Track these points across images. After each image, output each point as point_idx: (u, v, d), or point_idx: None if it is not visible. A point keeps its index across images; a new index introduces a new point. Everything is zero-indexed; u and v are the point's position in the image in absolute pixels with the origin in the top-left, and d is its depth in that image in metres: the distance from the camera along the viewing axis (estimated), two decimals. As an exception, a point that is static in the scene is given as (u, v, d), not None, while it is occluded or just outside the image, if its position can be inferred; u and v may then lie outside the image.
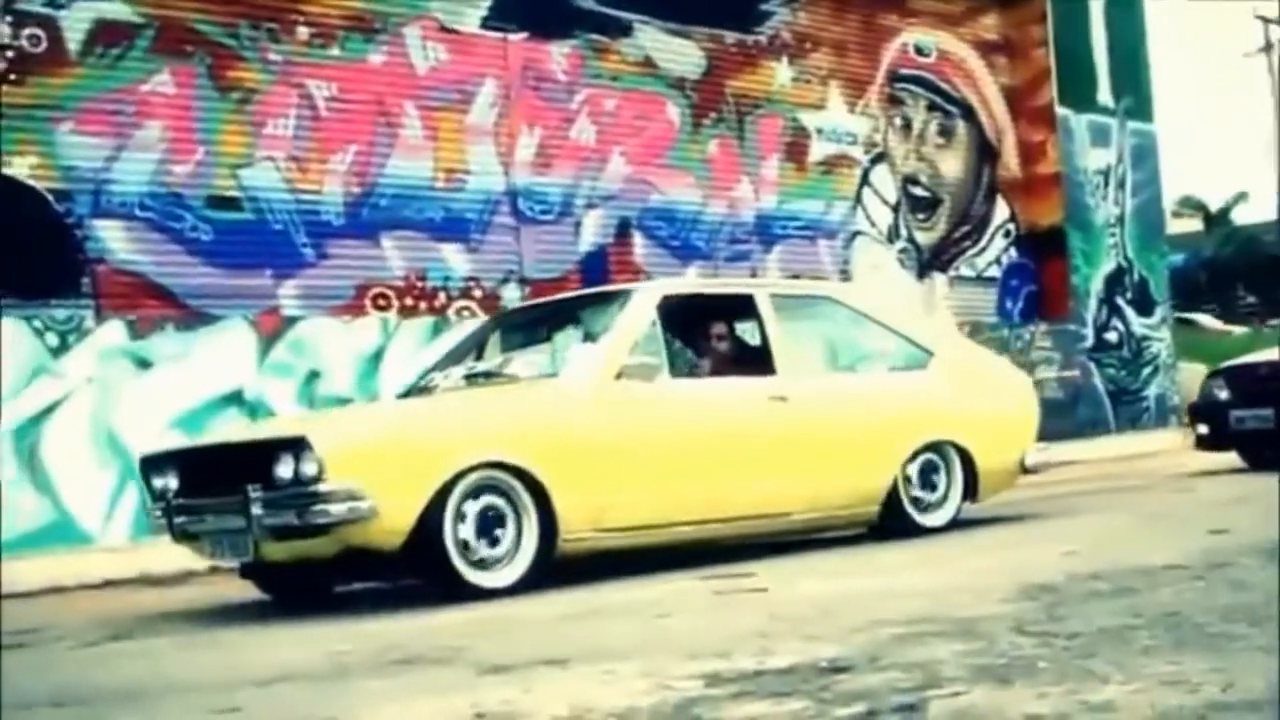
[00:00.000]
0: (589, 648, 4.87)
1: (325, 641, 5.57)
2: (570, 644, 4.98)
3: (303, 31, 11.51)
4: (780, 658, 4.19)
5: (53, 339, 10.08)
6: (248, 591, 7.45)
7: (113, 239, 10.57)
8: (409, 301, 11.94)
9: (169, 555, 8.27)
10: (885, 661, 4.03)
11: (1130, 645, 4.03)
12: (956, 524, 8.56)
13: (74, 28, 10.45)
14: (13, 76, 10.17)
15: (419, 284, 12.04)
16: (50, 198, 10.32)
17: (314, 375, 11.04)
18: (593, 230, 13.22)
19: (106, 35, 10.58)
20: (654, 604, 6.01)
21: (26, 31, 10.24)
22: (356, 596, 7.31)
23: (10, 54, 10.17)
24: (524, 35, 12.90)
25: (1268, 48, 51.12)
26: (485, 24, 12.67)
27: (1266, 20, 50.80)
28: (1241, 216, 59.17)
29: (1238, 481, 10.82)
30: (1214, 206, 61.04)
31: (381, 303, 11.78)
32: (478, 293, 12.34)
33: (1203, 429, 12.07)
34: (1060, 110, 17.65)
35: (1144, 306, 18.28)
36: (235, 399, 10.62)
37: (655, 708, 3.58)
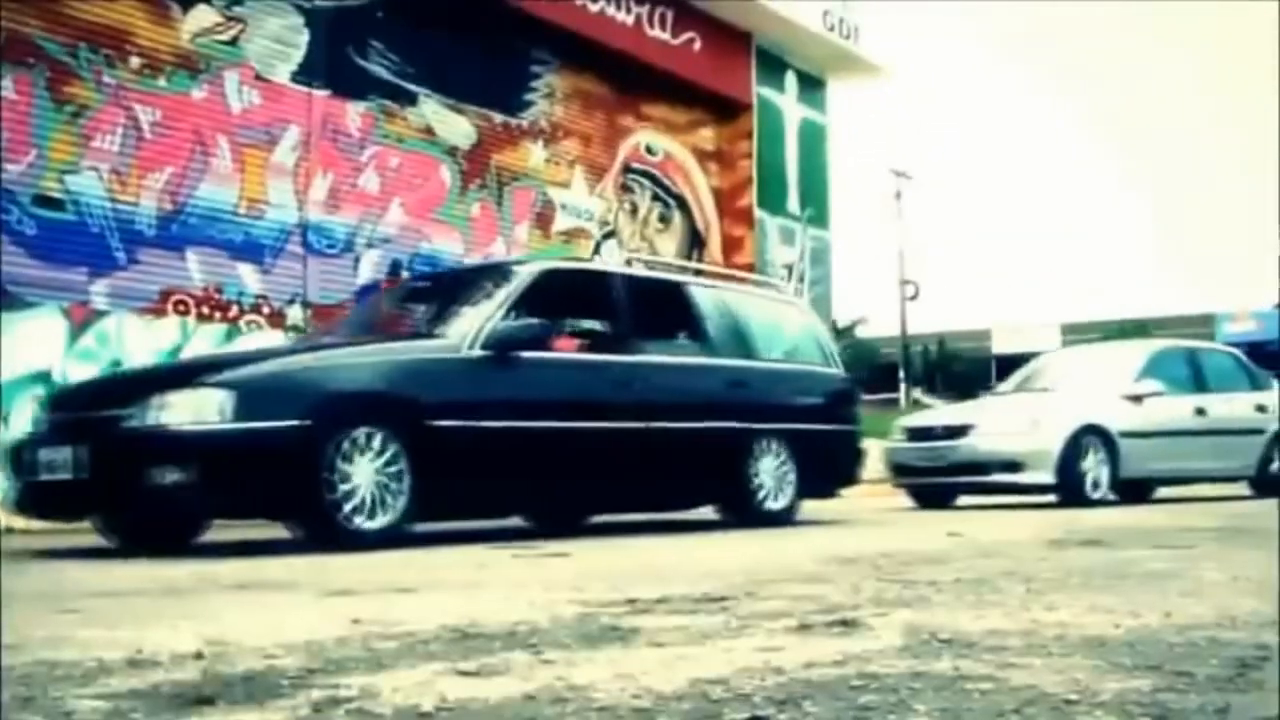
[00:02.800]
0: (430, 582, 4.51)
1: (157, 570, 5.08)
2: (410, 579, 4.55)
3: (135, 61, 10.93)
4: (641, 592, 3.91)
5: (-126, 312, 9.29)
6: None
7: (-60, 225, 9.80)
8: (205, 310, 11.36)
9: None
10: (764, 595, 3.81)
11: (1006, 590, 3.90)
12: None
13: (-79, 29, 9.71)
14: None
15: (216, 295, 11.47)
16: (-117, 182, 9.53)
17: (115, 364, 10.41)
18: (370, 267, 12.83)
19: (-47, 40, 9.85)
20: (469, 560, 5.71)
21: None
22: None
23: None
24: (326, 92, 12.54)
25: (898, 195, 53.36)
26: (294, 78, 12.27)
27: (898, 173, 53.08)
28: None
29: (916, 514, 10.90)
30: (841, 324, 63.70)
31: (181, 308, 11.18)
32: (266, 310, 11.84)
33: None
34: (758, 212, 18.02)
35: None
36: (44, 378, 9.95)
37: (556, 621, 3.28)
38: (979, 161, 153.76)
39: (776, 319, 10.04)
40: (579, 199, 15.70)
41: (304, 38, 12.35)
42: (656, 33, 16.25)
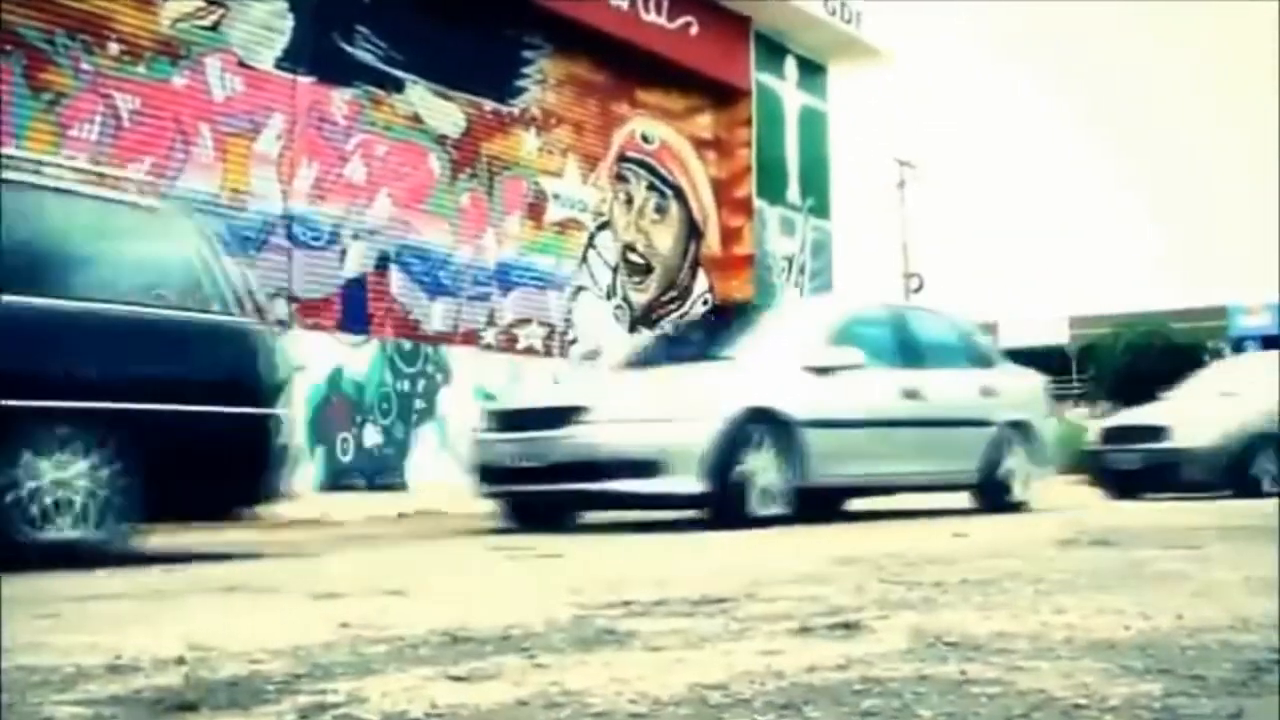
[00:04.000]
0: (417, 584, 4.49)
1: (139, 574, 5.07)
2: (395, 582, 4.48)
3: (114, 48, 10.91)
4: (637, 595, 3.88)
5: None
6: None
7: (-88, 217, 9.74)
8: (187, 304, 11.37)
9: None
10: (765, 596, 3.79)
11: (1011, 591, 3.90)
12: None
13: (-106, 16, 9.68)
14: None
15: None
16: None
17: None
18: (356, 260, 12.83)
19: (-74, 26, 9.83)
20: (460, 562, 5.69)
21: None
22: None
23: None
24: (311, 79, 12.53)
25: (901, 185, 53.32)
26: (278, 64, 12.26)
27: (902, 162, 53.06)
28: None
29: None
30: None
31: (162, 302, 11.18)
32: (249, 305, 11.82)
33: None
34: (757, 202, 18.03)
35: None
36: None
37: (550, 624, 3.28)
38: (985, 150, 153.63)
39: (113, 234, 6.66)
40: (572, 189, 15.70)
41: (288, 23, 12.33)
42: (652, 17, 16.24)
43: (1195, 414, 13.57)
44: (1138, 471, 13.24)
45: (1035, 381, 11.72)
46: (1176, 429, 13.28)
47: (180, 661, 2.67)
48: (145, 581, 4.81)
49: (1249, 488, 12.56)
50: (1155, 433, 13.43)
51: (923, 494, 10.50)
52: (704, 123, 17.93)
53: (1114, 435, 14.15)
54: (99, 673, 2.56)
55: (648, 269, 16.83)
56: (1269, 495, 12.09)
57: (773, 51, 18.47)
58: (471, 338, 14.05)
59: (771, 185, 18.34)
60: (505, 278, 14.56)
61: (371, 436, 12.76)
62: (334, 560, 6.06)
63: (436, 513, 10.23)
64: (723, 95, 17.92)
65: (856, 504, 10.55)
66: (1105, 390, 40.29)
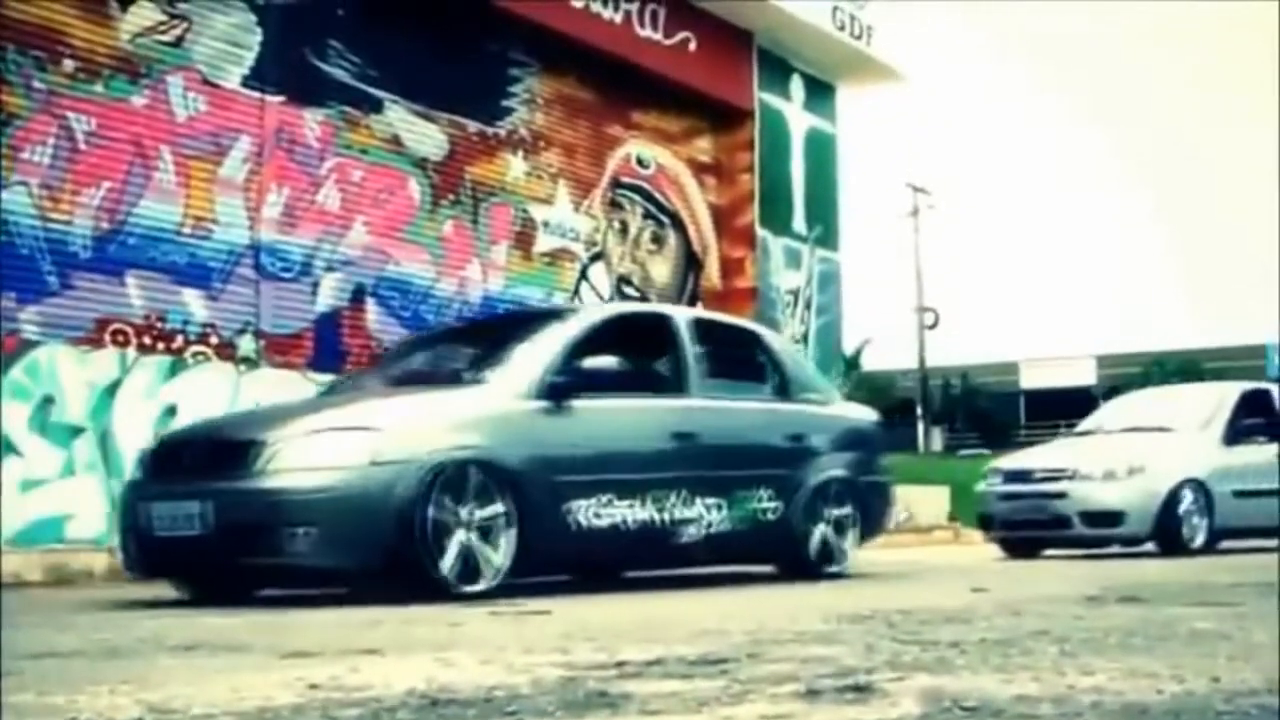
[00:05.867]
0: (398, 643, 4.53)
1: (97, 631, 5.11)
2: (373, 642, 4.55)
3: (69, 65, 10.98)
4: (631, 654, 3.90)
5: None
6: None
7: None
8: (147, 340, 11.39)
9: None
10: (769, 657, 3.81)
11: (1035, 653, 3.91)
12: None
13: None
14: None
15: (158, 324, 11.51)
16: None
17: (48, 400, 10.44)
18: (329, 292, 12.89)
19: None
20: (441, 617, 5.69)
21: None
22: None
23: None
24: (281, 98, 12.59)
25: (915, 213, 53.55)
26: (246, 83, 12.33)
27: (916, 189, 53.31)
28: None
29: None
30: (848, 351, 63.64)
31: (120, 338, 11.22)
32: (214, 339, 11.87)
33: None
34: (760, 232, 18.09)
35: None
36: (-33, 415, 9.97)
37: (536, 685, 3.30)
38: (1005, 175, 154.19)
39: None
40: (563, 216, 15.77)
41: (256, 38, 12.41)
42: (648, 32, 16.35)
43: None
44: None
45: None
46: None
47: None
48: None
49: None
50: None
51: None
52: (703, 146, 18.03)
53: None
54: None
55: (643, 303, 16.87)
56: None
57: (777, 69, 18.58)
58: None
59: (776, 213, 18.43)
60: (491, 312, 14.59)
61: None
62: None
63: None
64: (723, 116, 18.02)
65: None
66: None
